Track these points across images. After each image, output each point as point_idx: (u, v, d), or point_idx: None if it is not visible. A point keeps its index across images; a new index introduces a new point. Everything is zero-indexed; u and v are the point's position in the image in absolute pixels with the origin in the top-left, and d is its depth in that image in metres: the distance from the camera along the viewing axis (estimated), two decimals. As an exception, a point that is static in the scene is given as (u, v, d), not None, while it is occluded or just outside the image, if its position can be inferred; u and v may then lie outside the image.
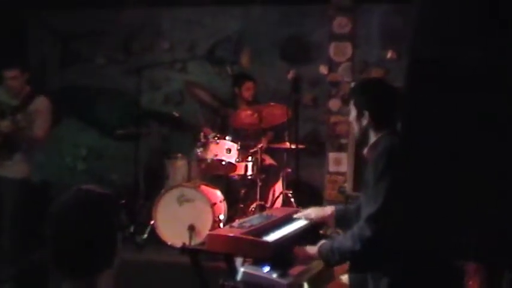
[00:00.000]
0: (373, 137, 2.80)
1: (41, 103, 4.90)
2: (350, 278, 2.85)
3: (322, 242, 2.76)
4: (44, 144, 5.12)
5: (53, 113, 4.99)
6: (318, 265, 2.85)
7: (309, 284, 2.85)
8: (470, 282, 3.52)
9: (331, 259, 2.69)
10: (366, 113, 2.78)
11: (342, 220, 3.14)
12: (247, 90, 5.88)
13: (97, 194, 1.66)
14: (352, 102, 2.87)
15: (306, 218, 3.22)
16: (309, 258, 2.78)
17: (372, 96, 2.84)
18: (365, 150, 2.84)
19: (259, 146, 5.34)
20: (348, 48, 6.16)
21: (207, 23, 6.79)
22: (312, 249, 2.77)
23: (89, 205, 1.63)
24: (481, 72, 2.32)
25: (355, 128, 2.87)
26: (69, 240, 1.58)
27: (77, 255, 1.58)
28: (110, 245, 1.60)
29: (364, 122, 2.79)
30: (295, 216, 3.31)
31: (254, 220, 3.18)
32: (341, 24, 6.16)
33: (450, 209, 2.95)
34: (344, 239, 2.66)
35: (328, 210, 3.18)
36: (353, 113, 2.85)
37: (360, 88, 2.97)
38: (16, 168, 4.81)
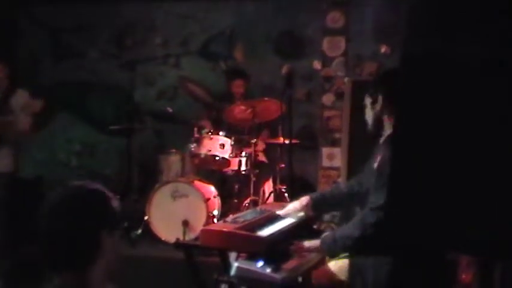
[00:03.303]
0: (388, 128, 2.75)
1: (22, 96, 4.86)
2: (349, 264, 2.85)
3: (325, 234, 2.77)
4: (30, 137, 5.10)
5: (41, 108, 4.94)
6: (312, 259, 2.86)
7: (303, 278, 2.85)
8: (464, 276, 3.54)
9: (334, 249, 2.71)
10: (380, 98, 2.74)
11: (318, 206, 3.16)
12: (237, 87, 5.89)
13: (86, 189, 1.68)
14: (367, 95, 2.83)
15: (287, 214, 3.20)
16: (310, 252, 2.79)
17: (387, 81, 2.80)
18: (381, 140, 2.78)
19: (253, 141, 5.34)
20: (341, 43, 6.16)
21: (201, 18, 6.77)
22: (311, 243, 2.78)
23: (73, 201, 1.65)
24: (478, 66, 2.31)
25: (369, 119, 2.82)
26: (53, 236, 1.61)
27: (58, 250, 1.61)
28: (91, 241, 1.61)
29: (378, 106, 2.75)
30: (278, 212, 3.24)
31: (248, 215, 3.18)
32: (334, 18, 6.16)
33: (445, 203, 2.96)
34: (346, 227, 2.67)
35: (303, 200, 3.18)
36: (368, 102, 2.82)
37: (378, 78, 3.03)
38: (2, 162, 4.77)
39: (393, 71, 3.08)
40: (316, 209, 3.19)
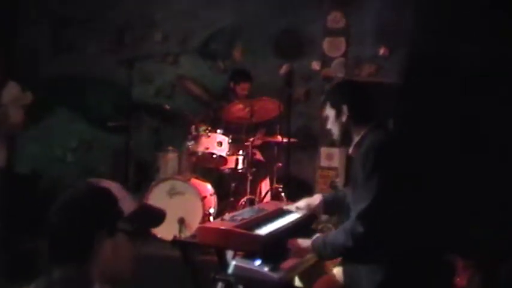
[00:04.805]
0: (356, 135, 2.79)
1: (13, 88, 4.75)
2: (343, 270, 2.84)
3: (316, 236, 2.76)
4: (26, 132, 5.03)
5: (31, 101, 4.88)
6: (309, 259, 2.85)
7: (300, 278, 2.84)
8: (458, 279, 3.54)
9: (323, 253, 2.70)
10: (345, 108, 2.78)
11: (330, 207, 3.19)
12: (242, 90, 5.85)
13: (91, 188, 1.67)
14: (328, 105, 2.87)
15: (297, 209, 3.23)
16: (302, 250, 2.78)
17: (349, 90, 2.92)
18: (350, 149, 2.84)
19: (251, 140, 5.33)
20: (341, 44, 6.14)
21: (200, 15, 6.74)
22: (305, 242, 2.77)
23: (75, 198, 1.64)
24: (479, 67, 2.31)
25: (335, 130, 2.86)
26: (52, 229, 1.61)
27: (56, 244, 1.61)
28: (84, 239, 1.59)
29: (344, 117, 2.79)
30: (285, 207, 3.31)
31: (245, 213, 3.17)
32: (335, 19, 6.14)
33: (442, 204, 2.95)
34: (337, 234, 2.65)
35: (317, 199, 3.21)
36: (331, 114, 2.85)
37: (335, 88, 3.05)
38: None
39: (350, 81, 3.18)
40: (327, 209, 3.21)
